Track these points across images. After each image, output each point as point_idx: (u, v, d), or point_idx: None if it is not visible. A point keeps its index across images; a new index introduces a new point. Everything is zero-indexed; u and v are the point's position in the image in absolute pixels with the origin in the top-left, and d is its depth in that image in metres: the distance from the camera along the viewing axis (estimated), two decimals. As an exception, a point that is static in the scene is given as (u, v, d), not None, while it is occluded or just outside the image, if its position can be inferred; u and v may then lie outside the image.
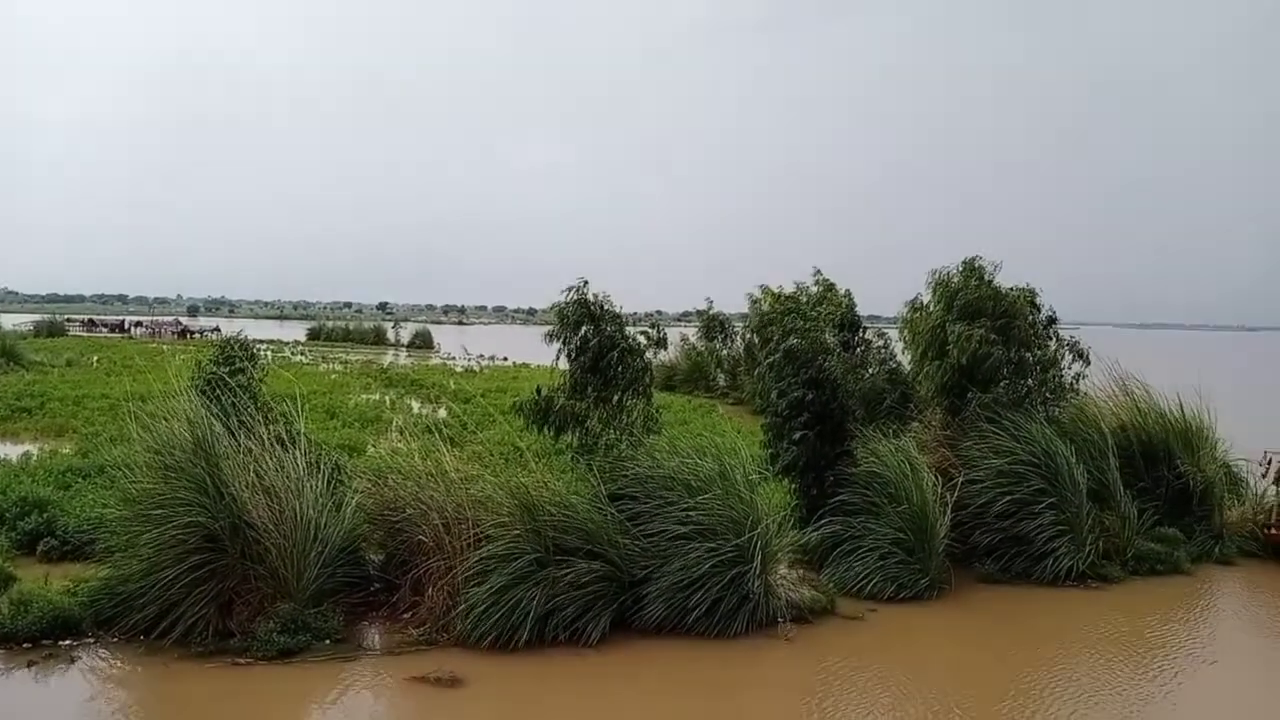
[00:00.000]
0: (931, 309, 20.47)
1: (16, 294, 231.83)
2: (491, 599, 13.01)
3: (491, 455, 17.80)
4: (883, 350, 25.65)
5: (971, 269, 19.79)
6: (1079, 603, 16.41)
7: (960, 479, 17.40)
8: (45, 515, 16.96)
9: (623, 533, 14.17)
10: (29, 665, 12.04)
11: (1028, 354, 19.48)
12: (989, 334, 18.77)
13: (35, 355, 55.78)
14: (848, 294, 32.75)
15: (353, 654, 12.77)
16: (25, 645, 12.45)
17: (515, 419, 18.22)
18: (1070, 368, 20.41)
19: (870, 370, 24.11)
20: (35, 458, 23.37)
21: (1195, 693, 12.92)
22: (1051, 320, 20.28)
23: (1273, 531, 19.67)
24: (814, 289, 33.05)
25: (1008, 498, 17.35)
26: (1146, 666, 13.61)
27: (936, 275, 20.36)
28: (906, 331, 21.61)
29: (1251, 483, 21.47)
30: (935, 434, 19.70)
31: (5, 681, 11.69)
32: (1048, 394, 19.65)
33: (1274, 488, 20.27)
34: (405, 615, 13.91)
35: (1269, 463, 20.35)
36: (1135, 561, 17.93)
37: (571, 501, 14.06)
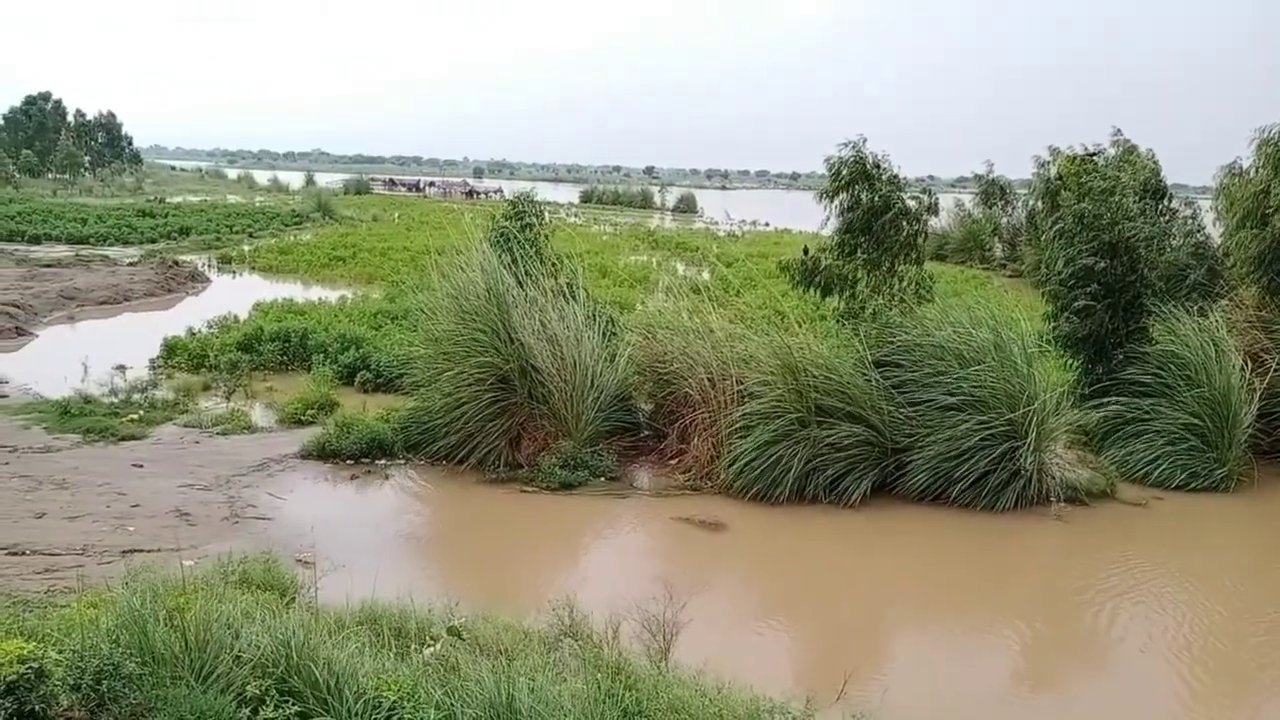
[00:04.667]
0: (1255, 173, 18.08)
1: (328, 154, 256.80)
2: (755, 452, 13.44)
3: (755, 317, 18.01)
4: (1189, 221, 23.05)
5: (1312, 126, 17.18)
6: None
7: (1274, 364, 15.67)
8: (361, 351, 19.26)
9: (887, 399, 14.03)
10: (351, 478, 13.93)
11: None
12: (1327, 200, 16.38)
13: (346, 211, 62.32)
14: (1150, 154, 29.30)
15: (625, 491, 13.77)
16: (348, 461, 14.40)
17: (778, 283, 18.24)
18: None
19: (1174, 242, 21.78)
20: (350, 301, 26.40)
21: None
22: None
23: None
24: (1111, 151, 29.90)
25: (1332, 388, 15.46)
26: None
27: (1264, 133, 17.83)
28: (1222, 199, 19.27)
29: None
30: (1247, 314, 17.71)
31: (334, 490, 13.62)
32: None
33: None
34: (672, 461, 14.70)
35: None
36: None
37: (835, 364, 14.06)
